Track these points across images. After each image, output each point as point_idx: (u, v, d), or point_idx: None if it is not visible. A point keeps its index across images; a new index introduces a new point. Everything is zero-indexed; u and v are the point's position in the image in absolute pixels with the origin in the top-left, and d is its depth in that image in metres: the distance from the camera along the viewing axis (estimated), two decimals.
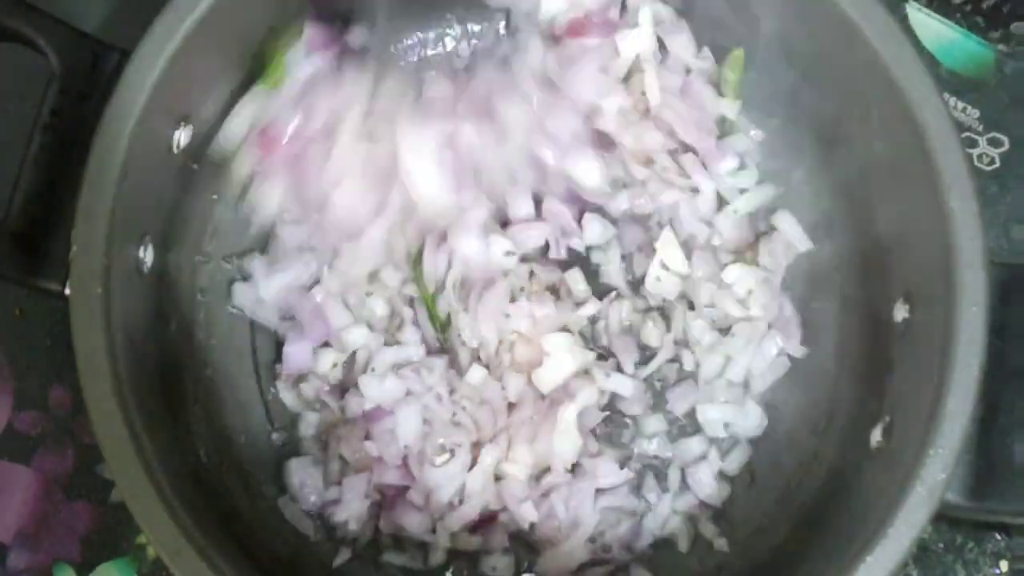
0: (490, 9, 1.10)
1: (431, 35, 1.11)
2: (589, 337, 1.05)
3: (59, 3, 1.10)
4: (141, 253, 0.94)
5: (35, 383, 1.10)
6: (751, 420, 1.02)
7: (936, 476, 0.82)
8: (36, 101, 0.92)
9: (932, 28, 1.18)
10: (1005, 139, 1.16)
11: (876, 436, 0.92)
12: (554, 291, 1.04)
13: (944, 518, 0.95)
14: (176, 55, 0.90)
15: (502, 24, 1.11)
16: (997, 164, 1.15)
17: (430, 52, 1.12)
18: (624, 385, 1.00)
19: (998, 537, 1.06)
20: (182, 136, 0.97)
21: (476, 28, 1.12)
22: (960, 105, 1.16)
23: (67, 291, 0.87)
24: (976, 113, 1.16)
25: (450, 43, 1.11)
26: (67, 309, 0.85)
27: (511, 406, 1.01)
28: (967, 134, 1.15)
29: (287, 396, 1.03)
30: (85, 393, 0.84)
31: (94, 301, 0.85)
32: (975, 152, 1.15)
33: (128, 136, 0.88)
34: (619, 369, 1.02)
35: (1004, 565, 1.06)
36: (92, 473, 1.08)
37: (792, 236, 1.04)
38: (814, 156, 1.07)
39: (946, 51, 1.18)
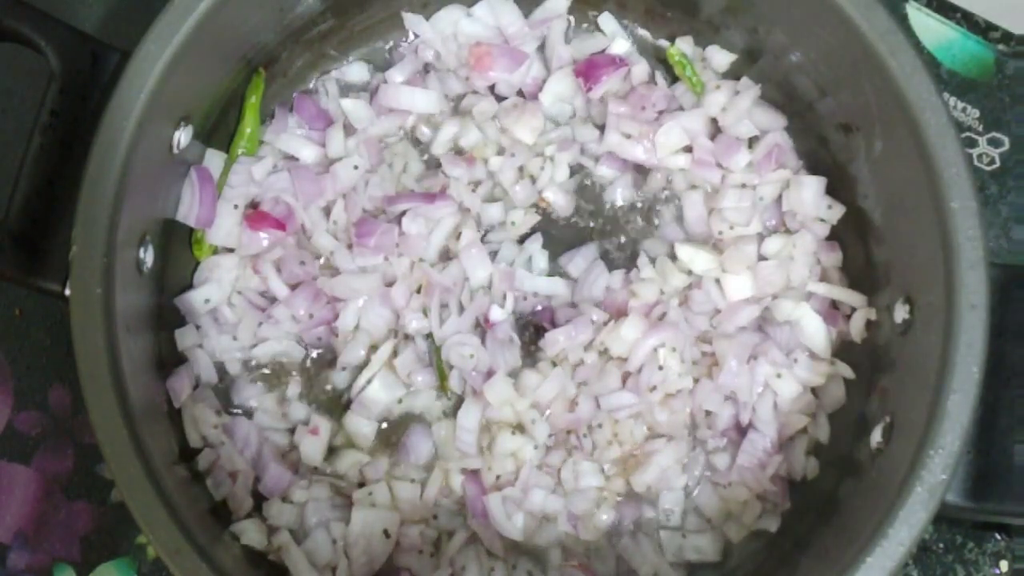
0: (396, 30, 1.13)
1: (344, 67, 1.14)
2: None
3: (59, 3, 1.11)
4: (141, 253, 0.94)
5: (35, 383, 1.10)
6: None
7: (936, 476, 0.82)
8: (36, 101, 0.92)
9: (932, 28, 1.18)
10: (1005, 139, 1.16)
11: (876, 436, 0.92)
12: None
13: (944, 518, 0.95)
14: (176, 55, 0.90)
15: (410, 37, 1.13)
16: (997, 164, 1.15)
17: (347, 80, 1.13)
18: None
19: (998, 537, 1.06)
20: (182, 136, 0.97)
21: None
22: (960, 105, 1.16)
23: (67, 291, 0.87)
24: (976, 113, 1.16)
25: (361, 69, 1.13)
26: (67, 309, 0.85)
27: None
28: (967, 134, 1.16)
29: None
30: (85, 393, 0.84)
31: (94, 301, 0.85)
32: (975, 152, 1.15)
33: (128, 136, 0.88)
34: None
35: (1004, 565, 1.06)
36: (92, 473, 1.08)
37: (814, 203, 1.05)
38: (814, 155, 1.07)
39: (946, 51, 1.18)
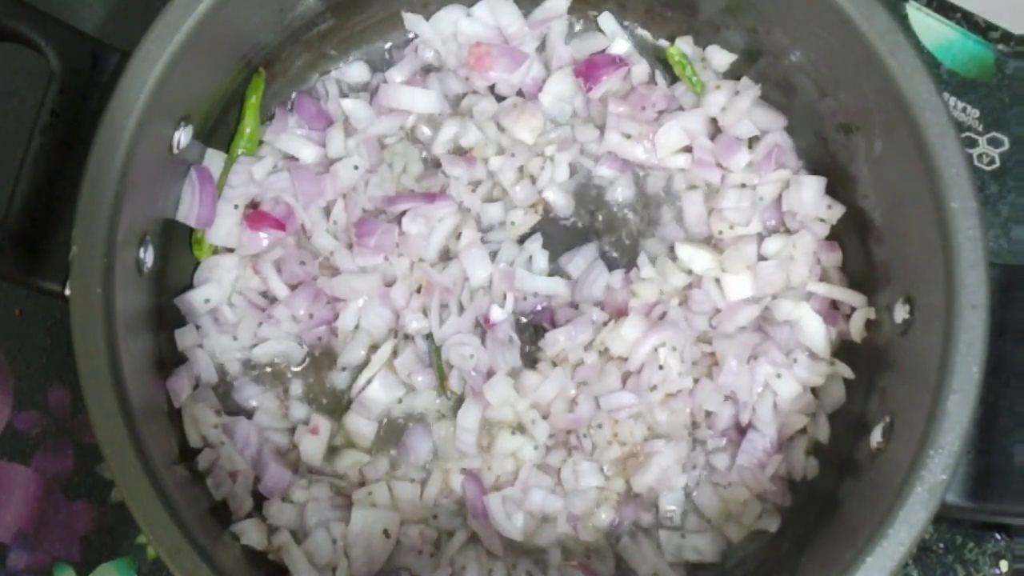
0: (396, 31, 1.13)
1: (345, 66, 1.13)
2: None
3: (59, 3, 1.11)
4: (141, 253, 0.94)
5: (35, 383, 1.10)
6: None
7: (936, 476, 0.82)
8: (36, 101, 0.92)
9: (932, 28, 1.18)
10: (1005, 139, 1.16)
11: (876, 436, 0.92)
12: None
13: (944, 518, 0.95)
14: (176, 55, 0.90)
15: (410, 37, 1.13)
16: (997, 164, 1.15)
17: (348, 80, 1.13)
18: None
19: (998, 537, 1.06)
20: (182, 136, 0.97)
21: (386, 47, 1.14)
22: (960, 105, 1.16)
23: (67, 291, 0.87)
24: (976, 113, 1.16)
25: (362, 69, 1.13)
26: (67, 309, 0.85)
27: None
28: (967, 134, 1.16)
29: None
30: (85, 393, 0.84)
31: (94, 301, 0.85)
32: (975, 152, 1.15)
33: (128, 136, 0.88)
34: None
35: (1004, 565, 1.06)
36: (92, 473, 1.08)
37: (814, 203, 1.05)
38: (814, 155, 1.07)
39: (946, 51, 1.18)
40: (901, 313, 0.94)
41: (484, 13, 1.11)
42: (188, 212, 1.01)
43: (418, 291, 1.04)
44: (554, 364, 1.03)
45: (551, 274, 1.08)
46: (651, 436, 1.02)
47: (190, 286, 1.04)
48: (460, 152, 1.10)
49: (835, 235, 1.05)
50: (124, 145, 0.88)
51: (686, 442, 1.02)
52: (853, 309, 1.02)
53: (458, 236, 1.06)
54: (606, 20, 1.12)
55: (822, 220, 1.05)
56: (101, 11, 1.20)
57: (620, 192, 1.10)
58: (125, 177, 0.88)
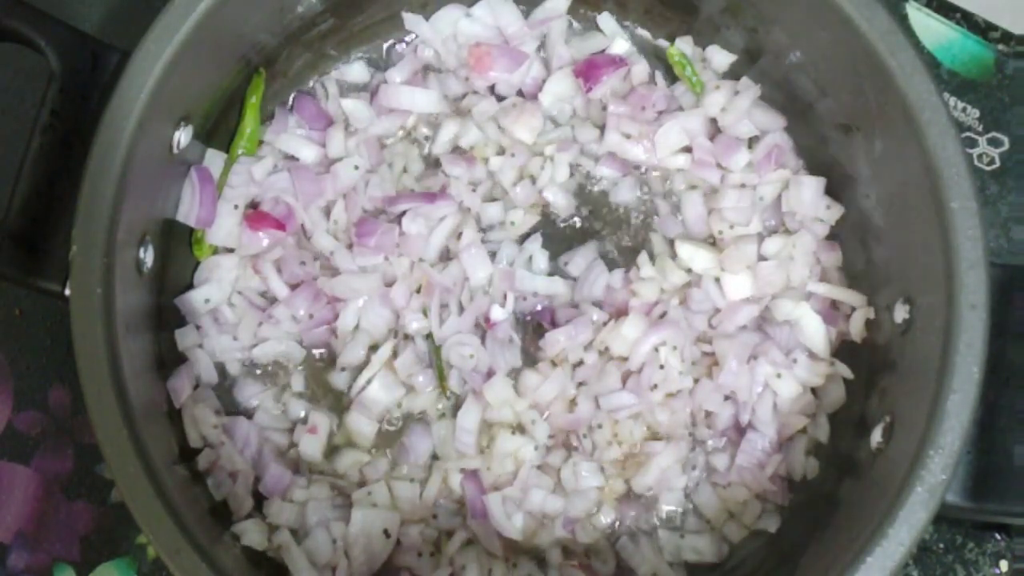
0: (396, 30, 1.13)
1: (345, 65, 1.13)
2: None
3: (59, 3, 1.11)
4: (141, 253, 0.94)
5: (35, 383, 1.10)
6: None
7: (936, 476, 0.82)
8: (36, 101, 0.92)
9: (932, 28, 1.18)
10: (1005, 139, 1.16)
11: (876, 436, 0.92)
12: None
13: (944, 518, 0.95)
14: (176, 55, 0.90)
15: (410, 37, 1.13)
16: (997, 164, 1.15)
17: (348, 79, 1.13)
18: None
19: (998, 537, 1.06)
20: (182, 136, 0.97)
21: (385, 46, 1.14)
22: (960, 105, 1.16)
23: (67, 291, 0.87)
24: (976, 113, 1.16)
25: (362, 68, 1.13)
26: (67, 309, 0.85)
27: None
28: (967, 134, 1.16)
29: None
30: (85, 393, 0.84)
31: (94, 301, 0.85)
32: (975, 152, 1.15)
33: (128, 136, 0.88)
34: None
35: (1004, 565, 1.06)
36: (92, 473, 1.08)
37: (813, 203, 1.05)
38: (814, 155, 1.07)
39: (946, 51, 1.18)
40: (901, 313, 0.94)
41: (484, 13, 1.11)
42: (188, 212, 1.01)
43: (418, 291, 1.04)
44: (554, 364, 1.03)
45: (551, 274, 1.08)
46: (651, 436, 1.02)
47: (190, 286, 1.04)
48: (460, 152, 1.10)
49: (835, 235, 1.05)
50: (124, 145, 0.88)
51: (686, 442, 1.02)
52: (853, 309, 1.02)
53: (458, 236, 1.06)
54: (606, 20, 1.12)
55: (822, 220, 1.05)
56: (101, 11, 1.20)
57: (620, 192, 1.10)
58: (125, 177, 0.88)
